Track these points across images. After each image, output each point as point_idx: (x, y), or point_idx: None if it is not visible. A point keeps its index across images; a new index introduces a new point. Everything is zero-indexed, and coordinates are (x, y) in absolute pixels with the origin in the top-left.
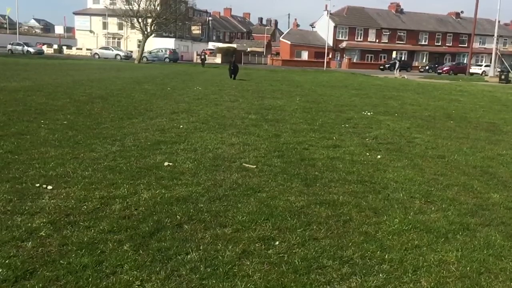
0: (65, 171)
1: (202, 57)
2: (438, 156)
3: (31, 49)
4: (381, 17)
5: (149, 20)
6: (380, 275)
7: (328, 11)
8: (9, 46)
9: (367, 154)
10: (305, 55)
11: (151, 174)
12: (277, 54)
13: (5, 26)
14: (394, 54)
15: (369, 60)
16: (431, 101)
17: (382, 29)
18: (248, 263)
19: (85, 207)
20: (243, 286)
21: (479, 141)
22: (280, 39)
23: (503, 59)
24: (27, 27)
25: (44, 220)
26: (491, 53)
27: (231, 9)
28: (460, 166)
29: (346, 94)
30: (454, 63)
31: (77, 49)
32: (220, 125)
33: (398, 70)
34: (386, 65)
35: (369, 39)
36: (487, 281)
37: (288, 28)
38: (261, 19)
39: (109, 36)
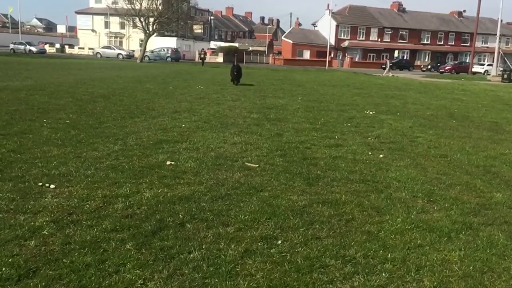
0: (67, 170)
1: (202, 56)
2: (441, 155)
3: (33, 48)
4: (383, 16)
5: (151, 19)
6: (383, 274)
7: (330, 10)
8: (11, 45)
9: (370, 153)
10: (307, 54)
11: (153, 173)
12: (279, 53)
13: (7, 25)
14: (396, 54)
15: (371, 59)
16: (434, 100)
17: (384, 28)
18: (251, 262)
19: (87, 206)
20: (245, 285)
21: (482, 140)
22: (282, 38)
23: (505, 58)
24: (29, 26)
25: (47, 219)
26: (494, 52)
27: (233, 8)
28: (462, 165)
29: (348, 93)
30: (456, 62)
31: (79, 48)
32: (222, 124)
33: (388, 70)
34: (390, 64)
35: (371, 38)
36: (490, 281)
37: (290, 27)
38: (263, 18)
39: (111, 35)
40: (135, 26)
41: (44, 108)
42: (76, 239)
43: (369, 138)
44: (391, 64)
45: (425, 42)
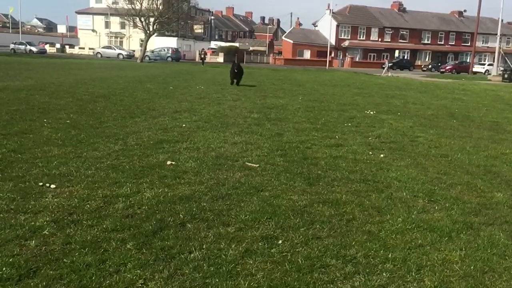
0: (68, 170)
1: (202, 56)
2: (441, 155)
3: (33, 48)
4: (384, 16)
5: (152, 19)
6: (384, 274)
7: (330, 10)
8: (11, 45)
9: (370, 153)
10: (307, 54)
11: (154, 173)
12: (279, 53)
13: (7, 25)
14: (396, 53)
15: (371, 59)
16: (434, 100)
17: (385, 28)
18: (251, 262)
19: (88, 206)
20: (246, 285)
21: (482, 140)
22: (283, 38)
23: (506, 58)
24: (29, 26)
25: (48, 218)
26: (494, 52)
27: (233, 8)
28: (463, 165)
29: (349, 93)
30: (457, 62)
31: (79, 48)
32: (223, 124)
33: (387, 69)
34: (388, 64)
35: (371, 38)
36: (491, 280)
37: (291, 27)
38: (263, 18)
39: (111, 35)
40: (135, 26)
41: (45, 108)
42: (76, 239)
43: (369, 138)
44: (391, 64)
45: (426, 42)
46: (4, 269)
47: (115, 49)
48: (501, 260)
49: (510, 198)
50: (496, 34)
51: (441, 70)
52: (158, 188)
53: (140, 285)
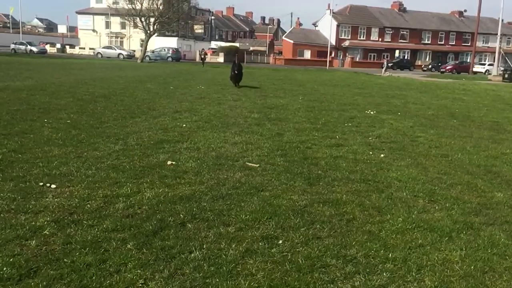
0: (68, 170)
1: (202, 56)
2: (442, 155)
3: (34, 48)
4: (384, 16)
5: (152, 19)
6: (384, 274)
7: (330, 10)
8: (12, 46)
9: (370, 153)
10: (307, 54)
11: (154, 173)
12: (280, 53)
13: (8, 25)
14: (397, 53)
15: (371, 59)
16: (434, 100)
17: (385, 28)
18: (252, 262)
19: (88, 206)
20: (246, 285)
21: (483, 140)
22: (283, 38)
23: (506, 57)
24: (30, 27)
25: (48, 218)
26: (494, 52)
27: (233, 8)
28: (463, 165)
29: (349, 93)
30: (457, 62)
31: (80, 48)
32: (223, 124)
33: (385, 69)
34: (389, 64)
35: (371, 38)
36: (491, 280)
37: (291, 27)
38: (263, 18)
39: (112, 35)
40: (135, 26)
41: (45, 108)
42: (77, 239)
43: (370, 138)
44: (391, 64)
45: (426, 42)
46: (4, 269)
47: (115, 49)
48: (501, 260)
49: (510, 198)
50: (496, 34)
51: (442, 70)
52: (158, 188)
53: (140, 285)
